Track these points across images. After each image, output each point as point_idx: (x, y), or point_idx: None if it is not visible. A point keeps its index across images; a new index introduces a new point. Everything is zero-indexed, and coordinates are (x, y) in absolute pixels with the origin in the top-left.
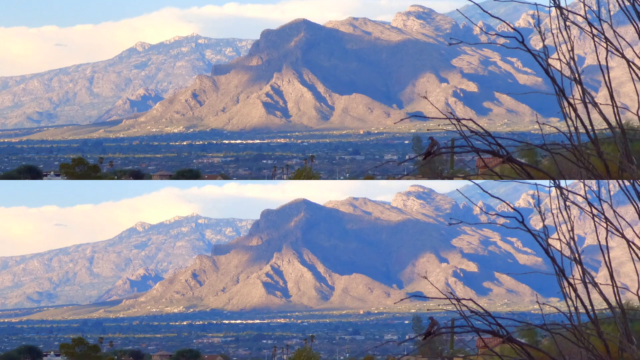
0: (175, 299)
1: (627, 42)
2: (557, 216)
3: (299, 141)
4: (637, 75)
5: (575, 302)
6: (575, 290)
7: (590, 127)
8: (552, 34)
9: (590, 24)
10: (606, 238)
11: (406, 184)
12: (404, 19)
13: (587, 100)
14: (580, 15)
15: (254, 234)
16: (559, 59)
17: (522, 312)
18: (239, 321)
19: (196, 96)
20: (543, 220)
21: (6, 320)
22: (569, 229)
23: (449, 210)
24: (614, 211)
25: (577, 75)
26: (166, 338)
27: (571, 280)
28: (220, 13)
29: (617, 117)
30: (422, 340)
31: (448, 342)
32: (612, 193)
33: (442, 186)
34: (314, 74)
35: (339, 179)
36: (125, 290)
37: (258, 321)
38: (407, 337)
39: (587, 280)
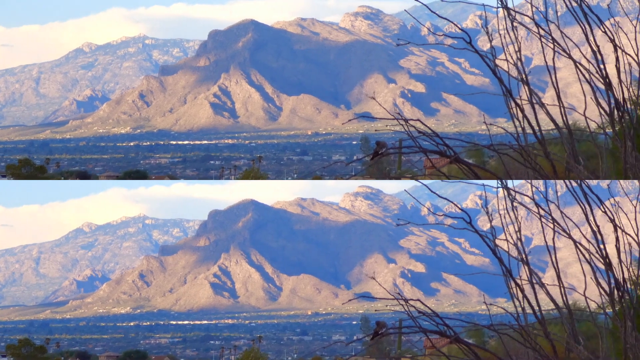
0: (122, 300)
1: (574, 42)
2: (505, 217)
3: (247, 142)
4: (583, 76)
5: (522, 303)
6: (522, 290)
7: (537, 128)
8: (500, 34)
9: (537, 25)
10: (553, 239)
11: (354, 185)
12: (352, 20)
13: (534, 101)
14: (527, 16)
15: (201, 234)
16: (507, 60)
17: (469, 312)
18: (186, 322)
19: (143, 97)
20: (490, 221)
21: None
22: (516, 229)
23: (397, 211)
24: (561, 212)
25: (524, 76)
26: (113, 339)
27: (518, 281)
28: (168, 13)
29: (564, 118)
30: (370, 341)
31: (396, 342)
32: (559, 194)
33: (390, 187)
34: (261, 75)
35: (287, 179)
36: (71, 291)
37: (205, 322)
38: (355, 337)
39: (534, 281)
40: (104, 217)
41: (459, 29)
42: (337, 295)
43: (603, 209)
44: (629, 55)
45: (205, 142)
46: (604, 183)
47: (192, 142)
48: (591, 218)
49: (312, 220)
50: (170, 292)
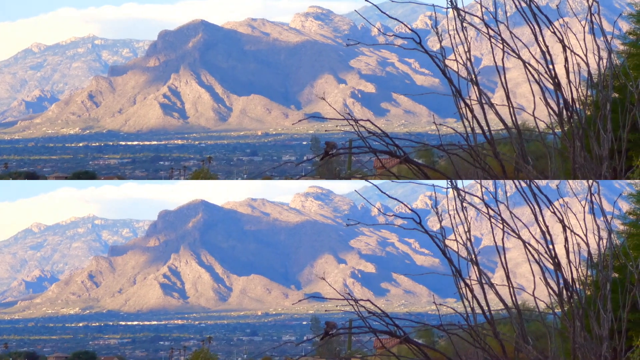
0: (71, 301)
1: (523, 43)
2: (454, 217)
3: (197, 142)
4: (533, 76)
5: (471, 303)
6: (471, 291)
7: (486, 128)
8: (450, 35)
9: (487, 25)
10: (502, 239)
11: (305, 185)
12: (303, 20)
13: (483, 101)
14: (477, 16)
15: (151, 235)
16: (456, 60)
17: (419, 312)
18: (135, 322)
19: (92, 97)
20: (440, 222)
21: None
22: (466, 230)
23: (347, 211)
24: (510, 212)
25: (473, 76)
26: (62, 340)
27: (468, 281)
28: (118, 13)
29: (513, 118)
30: (320, 341)
31: (346, 342)
32: (508, 194)
33: (340, 187)
34: (212, 75)
35: (237, 179)
36: (20, 292)
37: (155, 322)
38: (305, 338)
39: (483, 281)
40: (53, 217)
41: (409, 29)
42: (287, 296)
43: (552, 210)
44: (577, 55)
45: (155, 142)
46: (553, 183)
47: (141, 143)
48: (540, 218)
49: (263, 220)
50: (119, 293)
